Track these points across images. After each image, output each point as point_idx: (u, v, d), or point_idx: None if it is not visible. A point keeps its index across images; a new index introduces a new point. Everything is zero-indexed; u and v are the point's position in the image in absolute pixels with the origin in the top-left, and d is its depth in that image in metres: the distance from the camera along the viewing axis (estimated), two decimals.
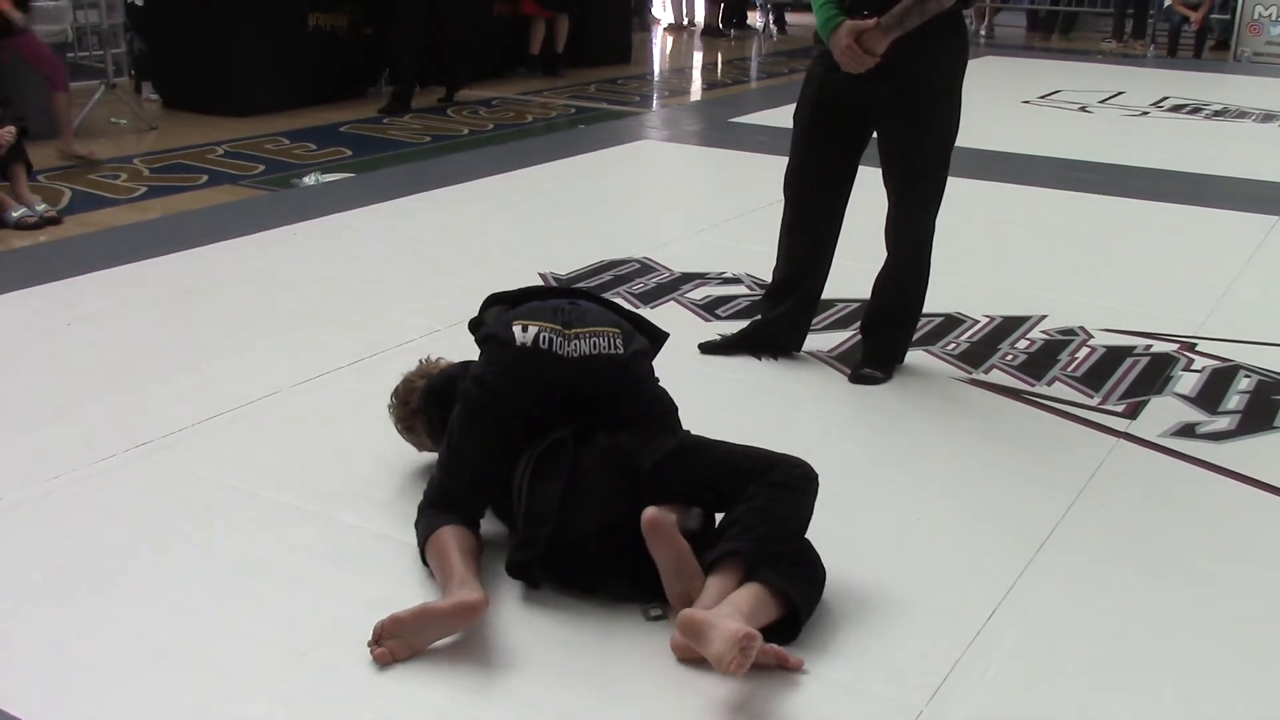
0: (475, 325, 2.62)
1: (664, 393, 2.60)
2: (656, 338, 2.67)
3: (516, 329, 2.43)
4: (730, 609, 2.14)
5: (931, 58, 3.26)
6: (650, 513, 2.26)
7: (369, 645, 2.19)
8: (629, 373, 2.51)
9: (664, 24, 14.37)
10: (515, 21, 9.67)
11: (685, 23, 14.33)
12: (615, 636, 2.28)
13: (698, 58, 12.33)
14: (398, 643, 2.19)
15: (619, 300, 4.13)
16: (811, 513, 2.38)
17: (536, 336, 2.41)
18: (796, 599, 2.25)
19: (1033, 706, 2.14)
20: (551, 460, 2.41)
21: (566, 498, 2.36)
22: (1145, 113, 8.49)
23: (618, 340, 2.48)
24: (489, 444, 2.48)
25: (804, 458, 2.53)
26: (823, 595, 2.35)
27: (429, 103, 8.32)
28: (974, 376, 3.60)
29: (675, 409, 2.60)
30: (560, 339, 2.42)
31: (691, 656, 2.16)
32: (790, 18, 14.27)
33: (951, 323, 4.00)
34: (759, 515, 2.30)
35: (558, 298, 2.59)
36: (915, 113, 3.30)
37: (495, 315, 2.56)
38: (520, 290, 2.64)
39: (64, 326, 3.83)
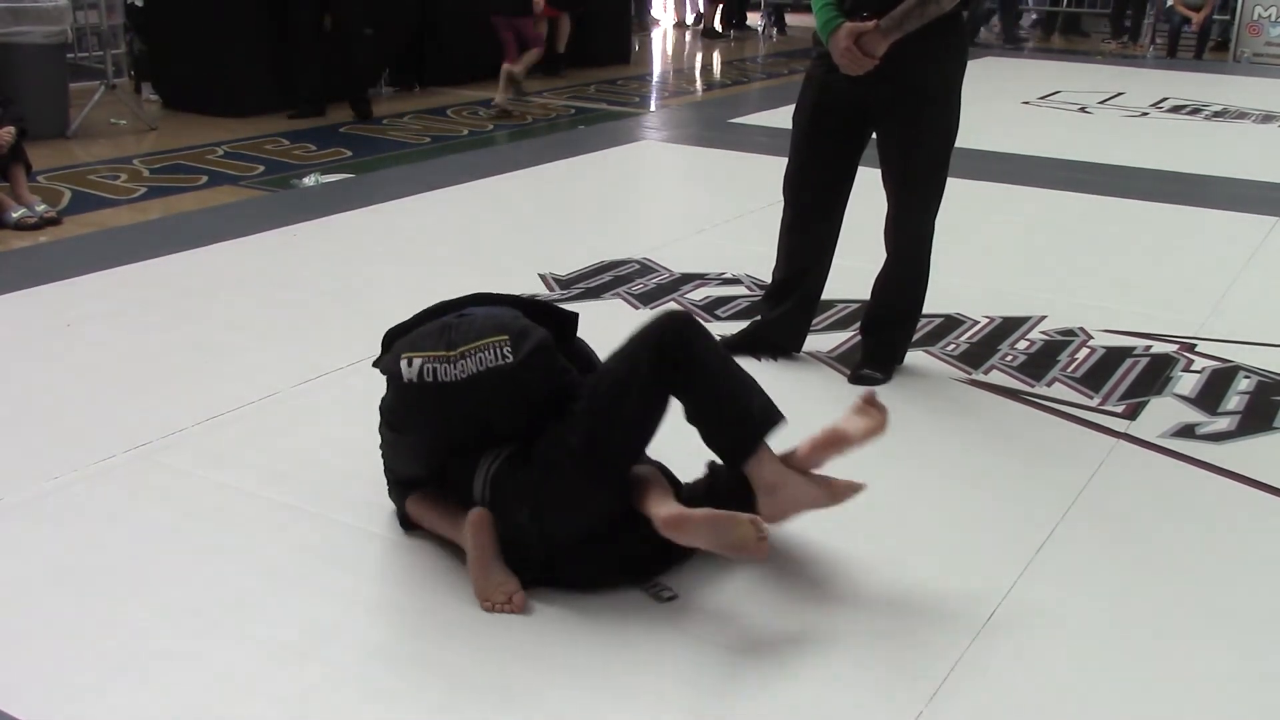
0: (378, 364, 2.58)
1: (575, 377, 2.53)
2: (564, 321, 2.63)
3: (403, 364, 2.39)
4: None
5: (931, 59, 3.26)
6: (662, 517, 2.26)
7: (501, 609, 2.33)
8: (520, 379, 2.40)
9: (671, 22, 14.35)
10: None
11: (693, 21, 14.34)
12: (616, 635, 2.28)
13: (698, 58, 12.33)
14: (502, 590, 2.34)
15: (619, 302, 4.14)
16: (713, 341, 2.47)
17: (420, 369, 2.36)
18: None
19: (1033, 706, 2.14)
20: (505, 486, 2.43)
21: (538, 517, 2.38)
22: (1145, 113, 8.50)
23: (505, 349, 2.37)
24: (419, 462, 2.56)
25: None
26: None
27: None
28: (974, 377, 3.60)
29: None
30: (444, 365, 2.36)
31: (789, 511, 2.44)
32: (790, 18, 14.27)
33: (951, 323, 4.00)
34: (719, 405, 2.43)
35: (450, 311, 2.53)
36: (915, 114, 3.30)
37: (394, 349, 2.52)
38: (413, 317, 2.58)
39: (64, 326, 3.83)
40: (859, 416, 2.51)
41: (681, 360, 2.39)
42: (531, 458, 2.41)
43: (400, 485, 2.63)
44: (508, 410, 2.43)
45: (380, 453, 2.68)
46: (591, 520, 2.40)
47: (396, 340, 2.54)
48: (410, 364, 2.37)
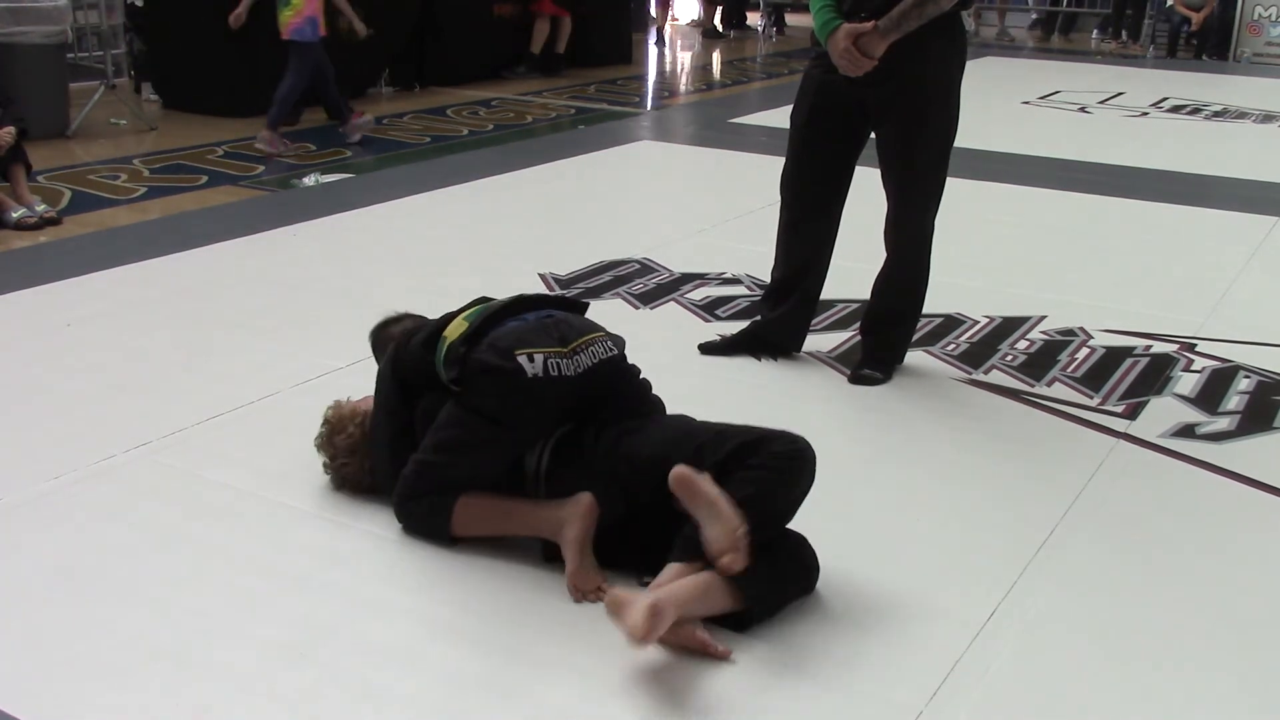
0: (403, 356, 2.66)
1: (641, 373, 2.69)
2: (582, 310, 2.77)
3: (522, 359, 2.45)
4: (675, 588, 2.21)
5: (929, 59, 3.25)
6: (680, 469, 2.26)
7: (586, 599, 2.35)
8: (625, 367, 2.62)
9: (681, 21, 14.33)
10: (515, 23, 9.66)
11: (695, 21, 14.36)
12: (616, 635, 2.28)
13: (698, 58, 12.32)
14: (595, 578, 2.37)
15: (619, 302, 4.15)
16: (803, 495, 2.37)
17: (545, 365, 2.46)
18: (750, 597, 2.26)
19: (1033, 706, 2.14)
20: (567, 459, 2.51)
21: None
22: (1145, 113, 8.50)
23: (609, 344, 2.57)
24: (486, 467, 2.54)
25: None
26: (812, 591, 2.41)
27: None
28: (974, 377, 3.60)
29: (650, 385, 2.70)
30: (564, 360, 2.48)
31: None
32: (790, 18, 14.26)
33: (951, 323, 4.00)
34: (746, 490, 2.29)
35: (504, 316, 2.58)
36: (913, 114, 3.30)
37: (469, 342, 2.53)
38: (420, 324, 2.69)
39: (64, 326, 3.83)
40: (635, 615, 2.13)
41: (783, 463, 2.34)
42: (596, 443, 2.49)
43: (440, 493, 2.52)
44: (605, 399, 2.55)
45: (411, 463, 2.56)
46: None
47: (388, 328, 2.72)
48: (533, 360, 2.45)
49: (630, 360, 2.66)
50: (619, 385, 2.61)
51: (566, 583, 2.38)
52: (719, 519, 2.24)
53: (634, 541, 2.46)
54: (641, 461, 2.42)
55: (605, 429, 2.52)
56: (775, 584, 2.34)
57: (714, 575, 2.24)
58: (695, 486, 2.27)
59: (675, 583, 2.24)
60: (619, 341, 2.62)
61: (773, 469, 2.33)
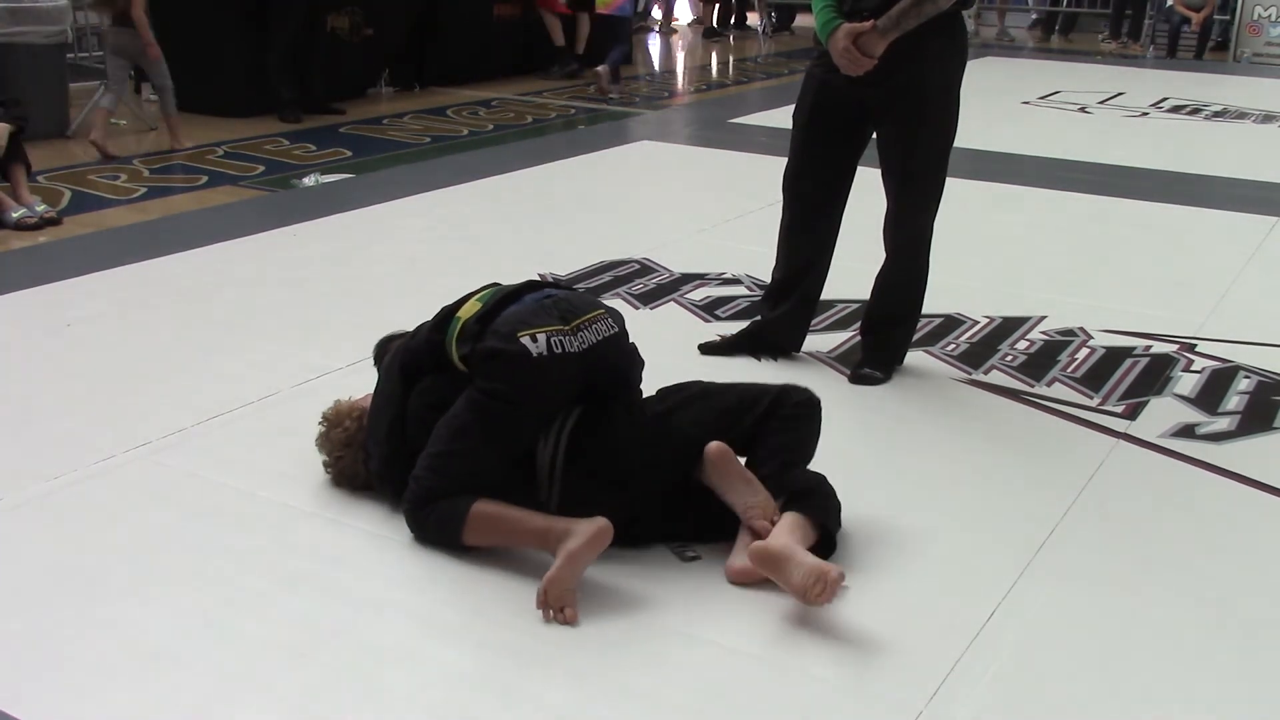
0: (411, 345, 2.69)
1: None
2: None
3: (525, 340, 2.46)
4: (789, 536, 2.38)
5: (929, 59, 3.26)
6: (715, 445, 2.47)
7: (549, 619, 2.30)
8: (625, 347, 2.65)
9: (681, 22, 14.34)
10: (515, 23, 9.65)
11: (690, 22, 14.37)
12: (616, 635, 2.28)
13: (698, 58, 12.33)
14: (570, 598, 2.31)
15: (619, 302, 4.14)
16: (819, 431, 2.69)
17: (548, 343, 2.47)
18: (831, 526, 2.51)
19: (1033, 706, 2.14)
20: (585, 442, 2.54)
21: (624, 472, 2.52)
22: (1145, 113, 8.49)
23: (611, 322, 2.60)
24: (501, 452, 2.52)
25: None
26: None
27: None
28: (974, 377, 3.60)
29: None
30: (567, 338, 2.49)
31: (749, 581, 2.41)
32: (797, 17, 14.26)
33: (951, 323, 4.00)
34: (782, 451, 2.60)
35: (511, 299, 2.61)
36: (914, 114, 3.30)
37: (475, 331, 2.55)
38: (433, 320, 2.69)
39: (64, 326, 3.83)
40: (803, 577, 2.28)
41: (791, 412, 2.63)
42: (612, 424, 2.55)
43: (453, 492, 2.49)
44: (608, 376, 2.60)
45: (424, 460, 2.53)
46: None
47: (393, 341, 2.72)
48: (535, 340, 2.47)
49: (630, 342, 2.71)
50: (623, 367, 2.65)
51: (540, 585, 2.32)
52: (757, 493, 2.47)
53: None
54: (692, 442, 2.53)
55: (629, 415, 2.59)
56: (832, 511, 2.55)
57: (797, 515, 2.45)
58: (734, 462, 2.46)
59: (788, 534, 2.39)
60: (619, 319, 2.64)
61: (799, 416, 2.64)
